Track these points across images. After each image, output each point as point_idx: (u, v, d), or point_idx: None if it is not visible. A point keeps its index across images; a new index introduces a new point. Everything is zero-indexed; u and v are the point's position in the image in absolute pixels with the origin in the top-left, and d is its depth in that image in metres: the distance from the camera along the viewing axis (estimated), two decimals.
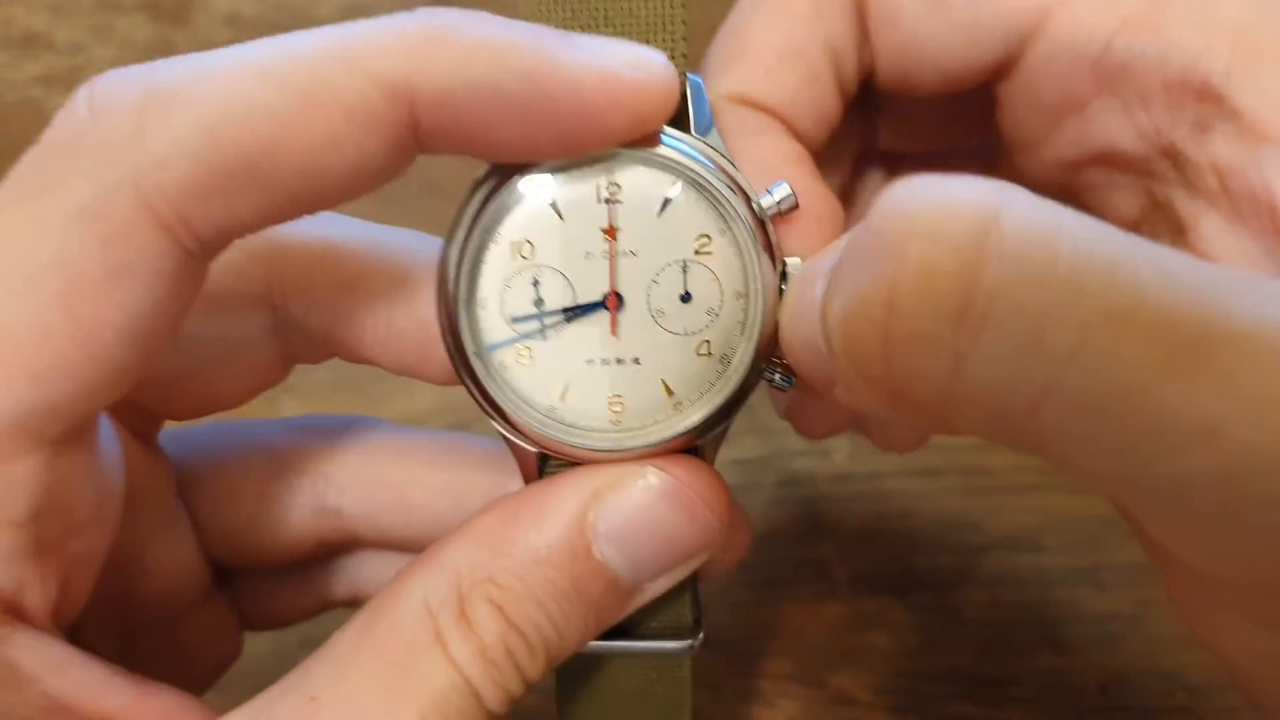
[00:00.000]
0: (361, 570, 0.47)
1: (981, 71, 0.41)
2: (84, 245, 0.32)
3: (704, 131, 0.36)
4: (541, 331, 0.37)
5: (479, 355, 0.37)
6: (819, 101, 0.41)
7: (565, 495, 0.36)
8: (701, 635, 0.41)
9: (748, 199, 0.36)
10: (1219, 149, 0.36)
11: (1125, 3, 0.38)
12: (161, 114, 0.32)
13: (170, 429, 0.45)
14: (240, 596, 0.48)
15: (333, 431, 0.46)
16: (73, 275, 0.32)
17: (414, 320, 0.39)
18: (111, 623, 0.42)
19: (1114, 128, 0.39)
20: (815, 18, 0.41)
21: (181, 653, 0.46)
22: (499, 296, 0.36)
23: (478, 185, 0.36)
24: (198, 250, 0.33)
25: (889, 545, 0.63)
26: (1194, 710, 0.55)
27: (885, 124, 0.48)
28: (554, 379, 0.37)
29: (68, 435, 0.34)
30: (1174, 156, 0.38)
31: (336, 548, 0.47)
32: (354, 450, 0.46)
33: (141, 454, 0.42)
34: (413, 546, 0.45)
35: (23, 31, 0.69)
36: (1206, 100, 0.36)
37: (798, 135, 0.41)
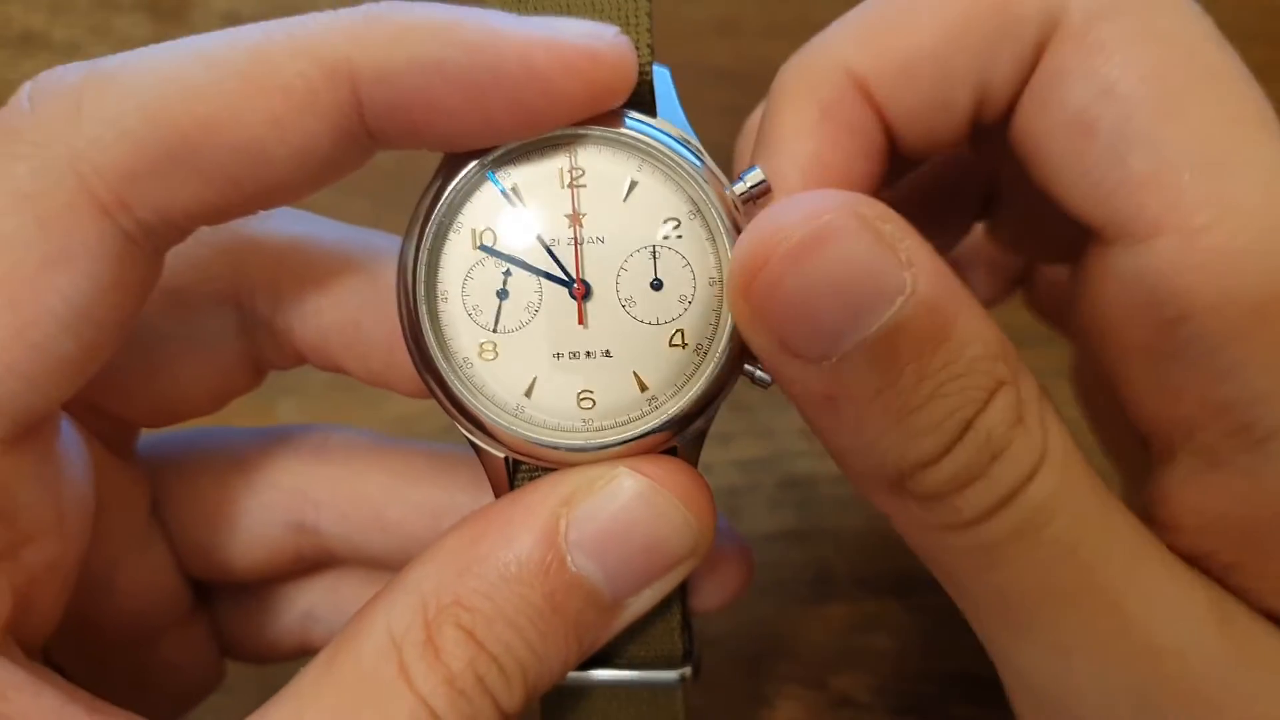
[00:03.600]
0: (345, 594, 0.44)
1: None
2: (20, 228, 0.29)
3: (671, 118, 0.33)
4: (506, 324, 0.33)
5: (441, 352, 0.33)
6: (934, 115, 0.35)
7: (534, 505, 0.32)
8: (693, 665, 0.37)
9: (719, 182, 0.32)
10: None
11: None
12: (99, 96, 0.30)
13: (146, 437, 0.42)
14: (221, 618, 0.45)
15: (309, 443, 0.43)
16: (8, 260, 0.29)
17: (381, 324, 0.36)
18: (81, 640, 0.39)
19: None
20: (974, 45, 0.34)
21: (157, 675, 0.43)
22: (460, 288, 0.33)
23: (437, 172, 0.33)
24: (140, 236, 0.31)
25: (890, 547, 0.56)
26: None
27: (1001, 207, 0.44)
28: (520, 375, 0.33)
29: (11, 436, 0.31)
30: None
31: (314, 564, 0.44)
32: (331, 464, 0.43)
33: (114, 465, 0.39)
34: (392, 564, 0.42)
35: (20, 30, 0.67)
36: None
37: (895, 137, 0.35)
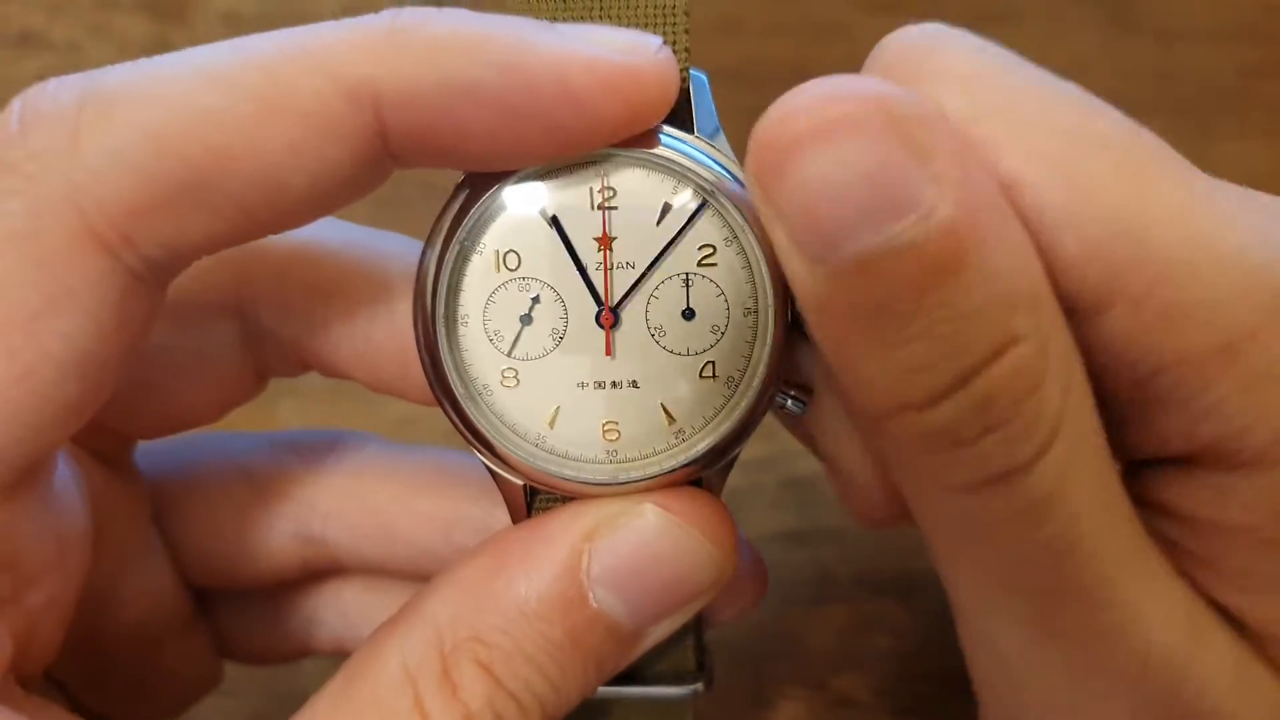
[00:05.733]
0: (348, 599, 0.42)
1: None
2: (17, 269, 0.27)
3: (710, 134, 0.30)
4: (529, 351, 0.31)
5: (459, 377, 0.31)
6: None
7: (555, 537, 0.30)
8: (705, 680, 0.36)
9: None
10: None
11: None
12: (99, 122, 0.27)
13: (144, 445, 0.40)
14: (221, 623, 0.43)
15: (318, 451, 0.41)
16: (5, 304, 0.27)
17: (393, 334, 0.34)
18: (82, 654, 0.37)
19: None
20: None
21: (157, 680, 0.41)
22: (481, 312, 0.31)
23: (459, 188, 0.30)
24: (146, 272, 0.28)
25: (891, 547, 0.58)
26: None
27: None
28: (542, 404, 0.31)
29: (12, 482, 0.29)
30: None
31: (321, 573, 0.42)
32: (340, 473, 0.41)
33: (110, 481, 0.37)
34: (400, 574, 0.41)
35: (19, 29, 0.65)
36: None
37: None
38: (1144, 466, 0.30)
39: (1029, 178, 0.27)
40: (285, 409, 0.59)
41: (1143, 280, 0.26)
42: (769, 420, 0.61)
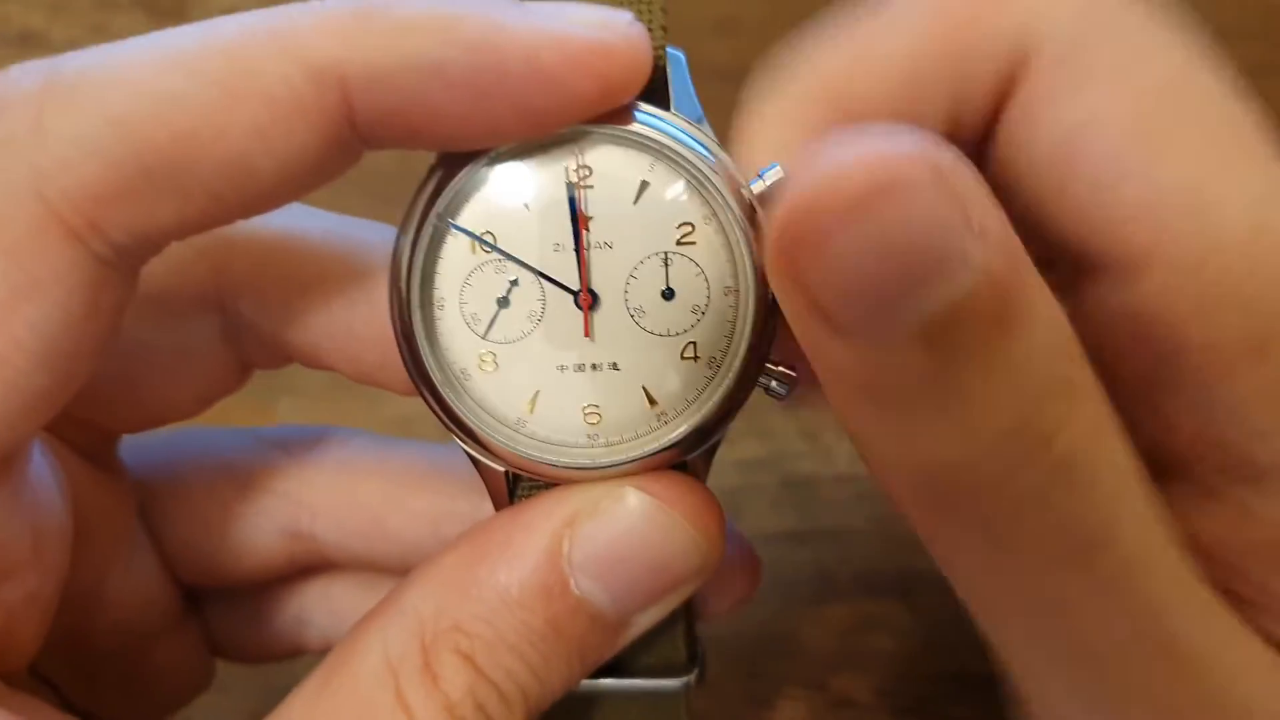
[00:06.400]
0: (337, 597, 0.42)
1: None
2: None
3: (690, 116, 0.30)
4: (507, 334, 0.30)
5: (437, 363, 0.30)
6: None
7: (536, 524, 0.30)
8: (697, 672, 0.35)
9: (735, 182, 0.29)
10: None
11: None
12: (63, 108, 0.26)
13: (130, 439, 0.39)
14: (212, 621, 0.42)
15: (305, 447, 0.40)
16: None
17: (373, 323, 0.33)
18: (70, 652, 0.36)
19: None
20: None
21: (148, 678, 0.40)
22: (457, 296, 0.30)
23: (432, 169, 0.30)
24: (115, 259, 0.28)
25: (891, 547, 0.58)
26: None
27: None
28: (522, 388, 0.31)
29: None
30: None
31: (310, 569, 0.41)
32: (327, 470, 0.40)
33: (93, 477, 0.36)
34: (389, 570, 0.40)
35: (19, 29, 0.65)
36: None
37: None
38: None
39: (1113, 117, 0.26)
40: (284, 407, 0.58)
41: (1194, 252, 0.25)
42: (768, 420, 0.61)
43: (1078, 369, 0.24)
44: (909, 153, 0.22)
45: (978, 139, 0.30)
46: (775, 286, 0.24)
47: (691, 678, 0.35)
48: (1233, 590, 0.28)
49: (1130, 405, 0.28)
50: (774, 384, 0.30)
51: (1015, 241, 0.23)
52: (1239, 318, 0.26)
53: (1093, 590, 0.26)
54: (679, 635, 0.34)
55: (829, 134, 0.23)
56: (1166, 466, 0.29)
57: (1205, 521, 0.28)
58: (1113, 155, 0.26)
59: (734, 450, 0.61)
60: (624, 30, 0.27)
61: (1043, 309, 0.24)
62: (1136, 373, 0.28)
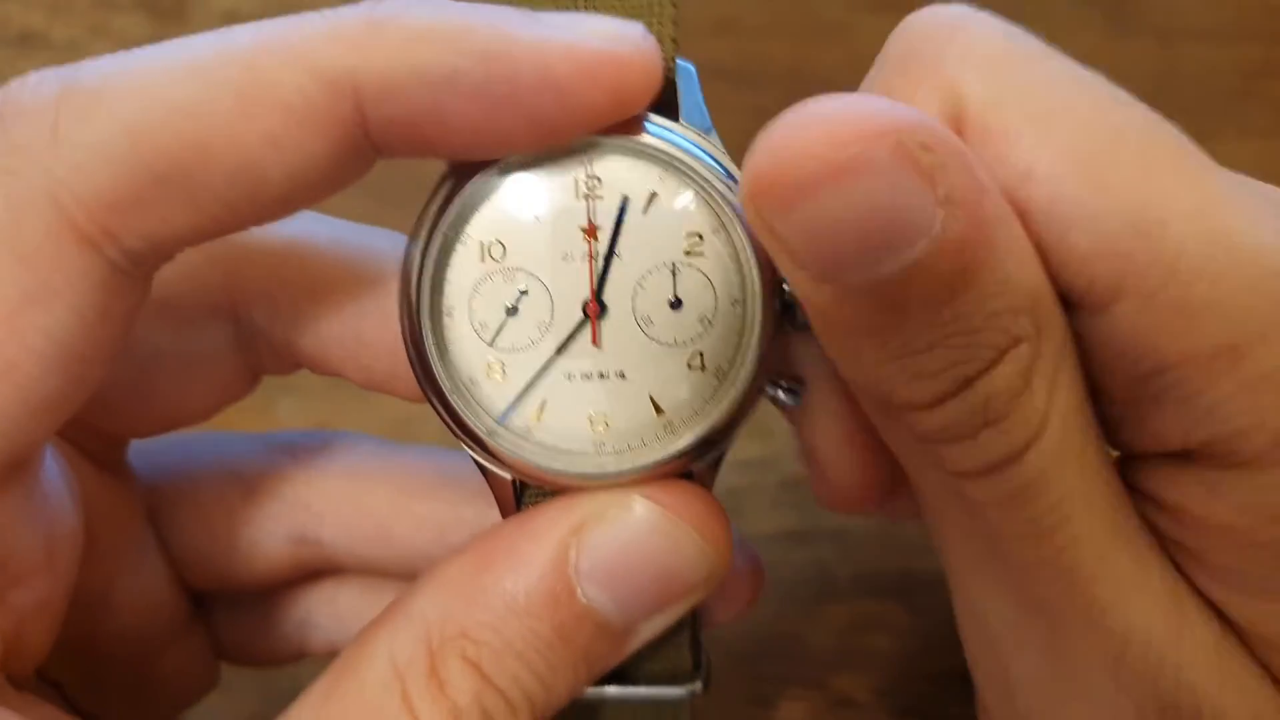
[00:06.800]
0: (344, 602, 0.42)
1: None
2: None
3: (700, 128, 0.30)
4: (515, 342, 0.30)
5: (445, 370, 0.31)
6: None
7: (543, 532, 0.30)
8: (702, 680, 0.35)
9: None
10: None
11: None
12: (78, 115, 0.27)
13: (139, 443, 0.39)
14: (218, 625, 0.42)
15: (312, 452, 0.40)
16: None
17: (384, 331, 0.33)
18: (77, 657, 0.36)
19: None
20: None
21: (154, 682, 0.40)
22: (466, 304, 0.30)
23: (443, 178, 0.30)
24: (128, 265, 0.28)
25: (890, 547, 0.58)
26: None
27: None
28: (529, 396, 0.31)
29: None
30: None
31: (316, 575, 0.41)
32: (334, 475, 0.40)
33: (103, 481, 0.36)
34: (395, 575, 0.40)
35: (19, 29, 0.65)
36: None
37: None
38: (1138, 458, 0.30)
39: (1044, 169, 0.26)
40: (284, 408, 0.59)
41: (1154, 277, 0.26)
42: (768, 420, 0.61)
43: (1026, 319, 0.25)
44: (874, 133, 0.23)
45: None
46: (751, 226, 0.26)
47: (697, 686, 0.35)
48: (1179, 544, 0.29)
49: (1116, 422, 0.29)
50: (781, 394, 0.30)
51: (986, 204, 0.24)
52: (1209, 327, 0.26)
53: (1002, 498, 0.27)
54: (684, 643, 0.34)
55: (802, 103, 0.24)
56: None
57: (1170, 486, 0.29)
58: (1054, 205, 0.26)
59: (734, 450, 0.58)
60: (636, 42, 0.27)
61: (1002, 266, 0.25)
62: (1119, 391, 0.28)
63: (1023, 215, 0.27)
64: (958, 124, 0.28)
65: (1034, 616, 0.29)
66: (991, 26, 0.28)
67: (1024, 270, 0.25)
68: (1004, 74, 0.27)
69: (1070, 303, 0.27)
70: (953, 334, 0.25)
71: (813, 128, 0.23)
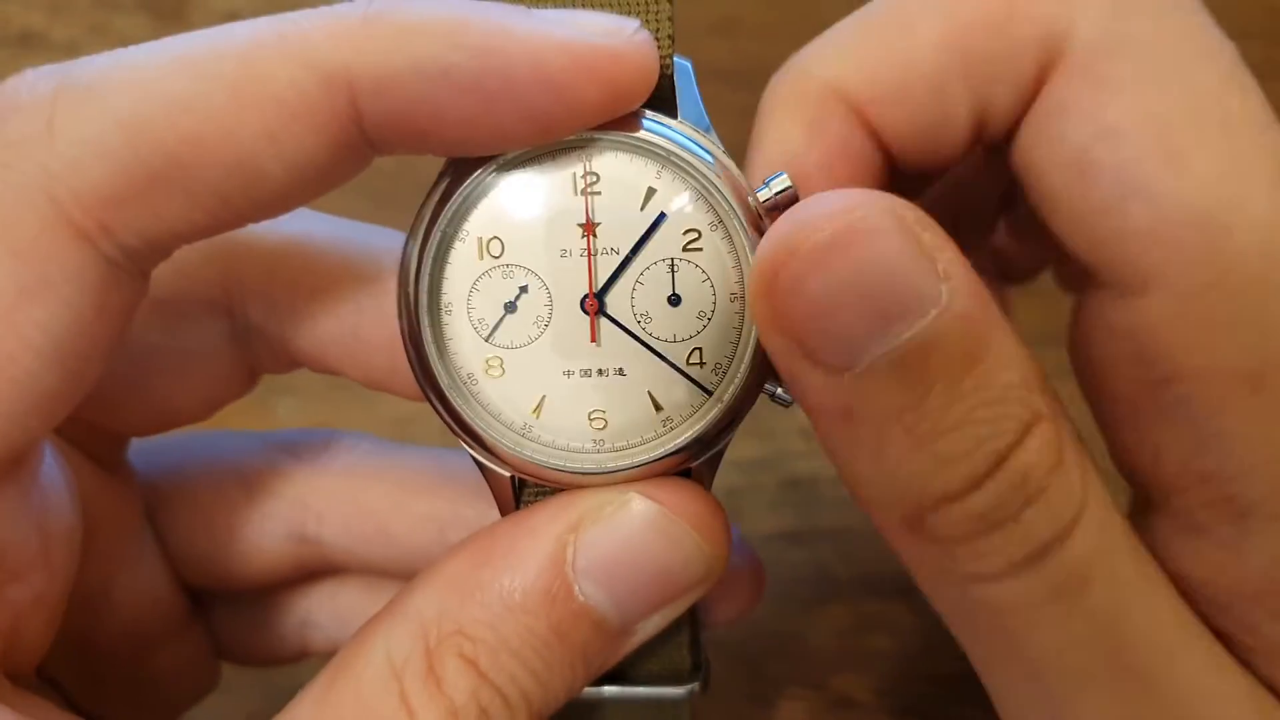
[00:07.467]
0: (343, 601, 0.42)
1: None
2: None
3: (697, 125, 0.30)
4: (513, 339, 0.30)
5: (444, 367, 0.30)
6: (931, 136, 0.32)
7: (540, 530, 0.29)
8: (702, 681, 0.35)
9: (741, 190, 0.29)
10: None
11: None
12: (73, 111, 0.26)
13: (139, 442, 0.39)
14: (218, 624, 0.42)
15: (312, 451, 0.40)
16: None
17: (381, 328, 0.33)
18: (77, 654, 0.36)
19: None
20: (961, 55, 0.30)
21: (154, 681, 0.40)
22: (465, 301, 0.30)
23: (441, 175, 0.30)
24: (124, 261, 0.28)
25: (891, 547, 0.57)
26: None
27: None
28: (528, 393, 0.30)
29: None
30: None
31: (316, 573, 0.41)
32: (333, 474, 0.40)
33: (102, 480, 0.36)
34: (394, 574, 0.40)
35: (20, 30, 0.65)
36: None
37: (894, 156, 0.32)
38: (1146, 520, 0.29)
39: (1131, 131, 0.26)
40: (284, 408, 0.58)
41: (1199, 277, 0.25)
42: (768, 420, 0.60)
43: (1040, 397, 0.25)
44: (872, 203, 0.24)
45: (1004, 137, 0.31)
46: (759, 327, 0.26)
47: (696, 686, 0.34)
48: (1224, 631, 0.28)
49: (1117, 427, 0.28)
50: (779, 390, 0.30)
51: (979, 284, 0.25)
52: (1238, 347, 0.25)
53: (1054, 592, 0.26)
54: (684, 643, 0.34)
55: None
56: (1150, 496, 0.29)
57: (1194, 560, 0.28)
58: (1127, 171, 0.26)
59: (734, 450, 0.58)
60: (631, 37, 0.27)
61: (1006, 345, 0.25)
62: (1127, 393, 0.28)
63: (1089, 169, 0.27)
64: (1044, 67, 0.28)
65: None
66: None
67: (1023, 352, 0.26)
68: (1128, 18, 0.27)
69: (1098, 281, 0.27)
70: (976, 405, 0.25)
71: (814, 208, 0.24)
